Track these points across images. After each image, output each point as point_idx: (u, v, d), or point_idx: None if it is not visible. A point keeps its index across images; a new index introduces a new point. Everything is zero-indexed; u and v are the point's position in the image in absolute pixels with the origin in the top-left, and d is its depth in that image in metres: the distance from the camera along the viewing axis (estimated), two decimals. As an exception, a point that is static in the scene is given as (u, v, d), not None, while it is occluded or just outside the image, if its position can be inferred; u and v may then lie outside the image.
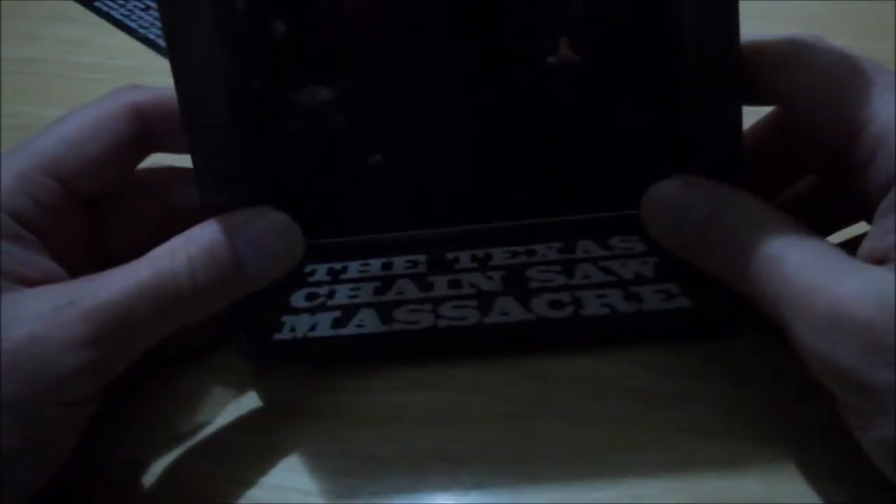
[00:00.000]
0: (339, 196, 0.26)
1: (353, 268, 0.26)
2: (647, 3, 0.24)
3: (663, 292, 0.26)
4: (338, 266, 0.26)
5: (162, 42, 0.46)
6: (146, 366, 0.25)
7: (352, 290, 0.26)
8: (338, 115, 0.25)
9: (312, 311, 0.26)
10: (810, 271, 0.21)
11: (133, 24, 0.47)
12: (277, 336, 0.27)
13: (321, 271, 0.26)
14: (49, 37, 0.46)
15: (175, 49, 0.24)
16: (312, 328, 0.27)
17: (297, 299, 0.26)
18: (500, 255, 0.26)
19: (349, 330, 0.26)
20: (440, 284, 0.26)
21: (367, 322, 0.26)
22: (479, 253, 0.26)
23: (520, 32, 0.24)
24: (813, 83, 0.23)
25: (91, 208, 0.26)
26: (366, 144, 0.25)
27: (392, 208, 0.26)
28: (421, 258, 0.26)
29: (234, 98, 0.24)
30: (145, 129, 0.26)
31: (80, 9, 0.48)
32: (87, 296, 0.22)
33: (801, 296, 0.21)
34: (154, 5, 0.48)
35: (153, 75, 0.46)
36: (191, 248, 0.23)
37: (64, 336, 0.21)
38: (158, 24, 0.47)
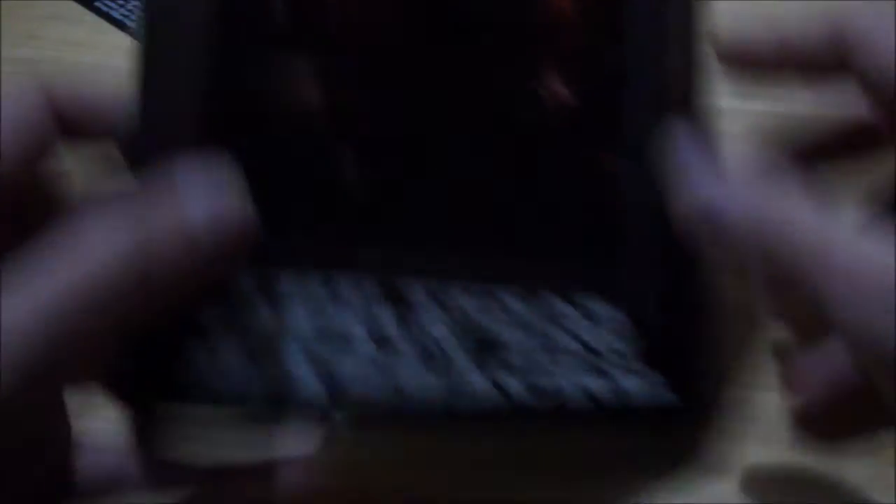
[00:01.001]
0: (293, 184, 0.22)
1: (288, 280, 0.22)
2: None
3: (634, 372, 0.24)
4: (270, 273, 0.22)
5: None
6: None
7: (278, 308, 0.21)
8: (317, 90, 0.22)
9: (230, 329, 0.21)
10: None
11: (133, 24, 0.47)
12: (181, 373, 0.21)
13: (249, 281, 0.21)
14: (49, 37, 0.46)
15: None
16: (228, 369, 0.21)
17: (210, 317, 0.21)
18: (456, 292, 0.23)
19: (274, 388, 0.21)
20: (388, 321, 0.22)
21: (296, 371, 0.21)
22: (435, 285, 0.22)
23: (510, 53, 0.24)
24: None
25: None
26: (336, 130, 0.23)
27: (349, 213, 0.23)
28: (370, 278, 0.22)
29: (214, 29, 0.22)
30: (55, 108, 0.23)
31: (80, 9, 0.48)
32: None
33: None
34: (154, 5, 0.48)
35: (153, 75, 0.46)
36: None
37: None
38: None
